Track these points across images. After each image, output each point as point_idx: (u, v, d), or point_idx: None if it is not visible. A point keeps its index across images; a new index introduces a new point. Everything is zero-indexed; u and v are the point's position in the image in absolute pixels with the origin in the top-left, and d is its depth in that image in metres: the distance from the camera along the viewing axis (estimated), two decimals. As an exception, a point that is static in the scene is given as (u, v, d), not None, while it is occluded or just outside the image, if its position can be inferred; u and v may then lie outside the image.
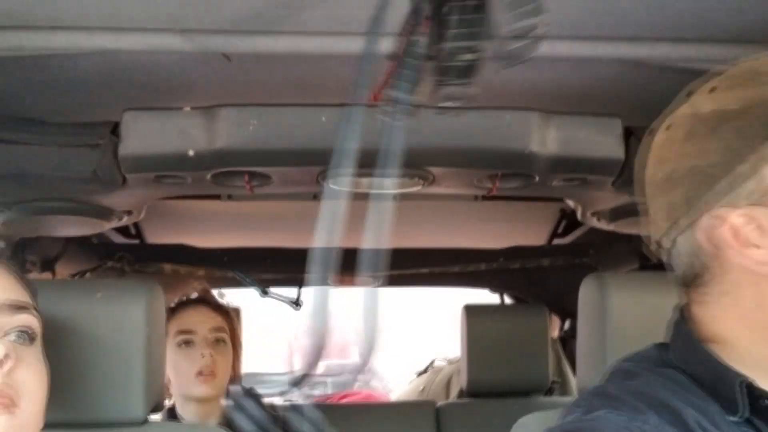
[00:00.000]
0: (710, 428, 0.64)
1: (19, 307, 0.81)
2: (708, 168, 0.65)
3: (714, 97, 0.67)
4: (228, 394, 0.51)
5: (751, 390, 0.64)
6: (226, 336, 1.61)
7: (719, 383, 0.66)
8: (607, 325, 1.06)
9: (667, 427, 0.63)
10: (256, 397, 0.52)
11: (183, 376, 1.56)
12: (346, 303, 0.48)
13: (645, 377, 0.73)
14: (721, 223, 0.65)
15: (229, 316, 1.67)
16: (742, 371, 0.66)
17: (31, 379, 0.80)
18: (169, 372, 1.58)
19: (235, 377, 1.68)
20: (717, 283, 0.68)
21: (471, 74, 0.64)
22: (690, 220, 0.67)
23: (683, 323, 0.73)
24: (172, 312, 1.62)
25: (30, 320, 0.82)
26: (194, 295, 1.67)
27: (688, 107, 0.69)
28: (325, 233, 0.47)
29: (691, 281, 0.70)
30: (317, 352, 0.48)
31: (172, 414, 1.60)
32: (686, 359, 0.71)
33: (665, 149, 0.70)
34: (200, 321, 1.59)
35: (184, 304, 1.64)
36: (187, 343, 1.57)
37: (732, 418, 0.66)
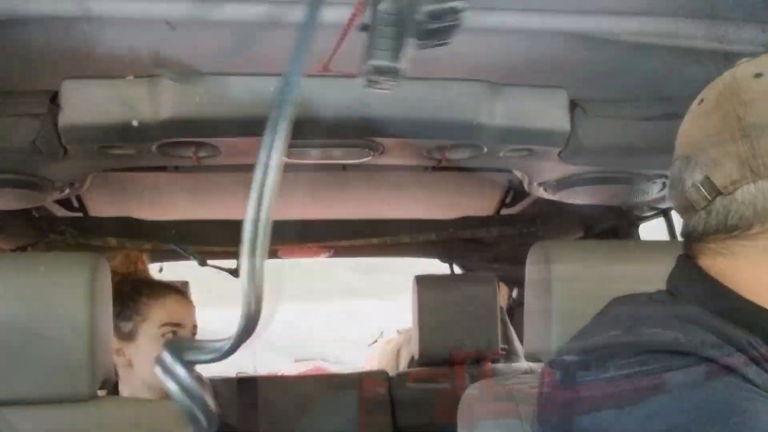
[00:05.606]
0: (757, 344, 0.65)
1: None
2: None
3: None
4: (157, 360, 0.50)
5: None
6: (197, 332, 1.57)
7: (762, 322, 0.67)
8: (554, 292, 1.08)
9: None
10: (186, 363, 0.51)
11: None
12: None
13: (667, 307, 0.73)
14: None
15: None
16: None
17: None
18: (142, 358, 1.49)
19: None
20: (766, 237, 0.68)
21: (449, 35, 0.62)
22: None
23: (702, 273, 0.73)
24: (153, 297, 1.53)
25: None
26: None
27: None
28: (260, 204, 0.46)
29: (732, 231, 0.70)
30: (251, 322, 0.48)
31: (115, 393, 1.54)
32: (715, 306, 0.70)
33: (758, 95, 0.68)
34: (187, 315, 1.54)
35: (167, 292, 1.55)
36: (174, 335, 1.50)
37: None
